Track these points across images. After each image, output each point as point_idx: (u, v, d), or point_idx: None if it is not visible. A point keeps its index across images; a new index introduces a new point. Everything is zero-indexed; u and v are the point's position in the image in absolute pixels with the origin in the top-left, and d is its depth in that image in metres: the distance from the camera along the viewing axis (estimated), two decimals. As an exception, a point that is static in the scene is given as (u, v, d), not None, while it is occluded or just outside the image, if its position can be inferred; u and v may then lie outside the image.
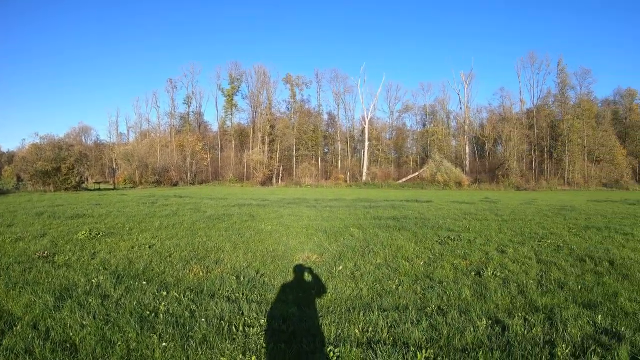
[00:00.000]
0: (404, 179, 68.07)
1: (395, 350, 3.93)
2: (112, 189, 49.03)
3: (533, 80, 75.60)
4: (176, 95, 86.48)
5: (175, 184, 64.35)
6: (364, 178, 70.14)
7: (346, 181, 69.69)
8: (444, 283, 6.28)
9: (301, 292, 5.70)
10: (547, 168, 70.60)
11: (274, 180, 70.22)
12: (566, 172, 67.67)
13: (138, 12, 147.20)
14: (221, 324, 4.42)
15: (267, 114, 74.27)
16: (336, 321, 4.58)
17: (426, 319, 4.73)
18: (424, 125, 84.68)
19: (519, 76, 76.49)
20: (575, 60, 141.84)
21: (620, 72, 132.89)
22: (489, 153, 76.97)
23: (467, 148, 75.35)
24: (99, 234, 10.11)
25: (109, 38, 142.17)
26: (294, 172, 71.81)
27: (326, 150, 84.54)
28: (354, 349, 3.95)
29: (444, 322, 4.65)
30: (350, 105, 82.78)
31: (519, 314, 4.96)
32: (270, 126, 73.58)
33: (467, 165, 72.40)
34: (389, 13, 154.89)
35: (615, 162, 67.49)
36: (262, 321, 4.52)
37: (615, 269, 7.24)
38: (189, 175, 69.92)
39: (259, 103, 76.74)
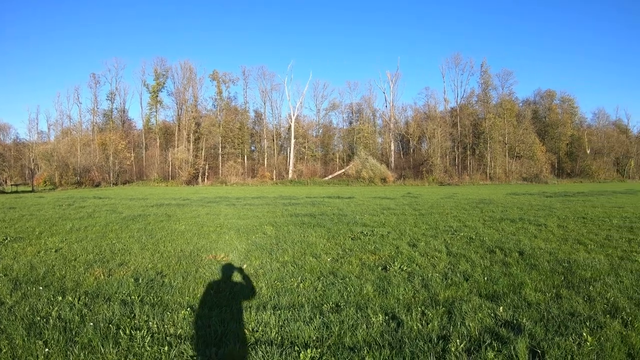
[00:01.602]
0: (330, 176, 69.69)
1: (280, 351, 3.86)
2: (31, 192, 47.24)
3: (457, 81, 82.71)
4: (99, 91, 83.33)
5: (98, 185, 61.80)
6: (290, 176, 71.39)
7: (272, 179, 70.29)
8: (347, 279, 6.23)
9: (199, 293, 5.66)
10: (470, 164, 75.87)
11: (199, 179, 69.22)
12: (488, 168, 73.63)
13: (63, 1, 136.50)
14: (109, 328, 4.41)
15: (193, 112, 74.36)
16: (227, 321, 4.55)
17: (320, 317, 4.65)
18: (350, 123, 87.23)
19: (444, 76, 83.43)
20: (498, 63, 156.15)
21: (541, 74, 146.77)
22: (413, 150, 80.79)
23: (392, 145, 79.29)
24: (6, 239, 9.97)
25: (29, 29, 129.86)
26: (220, 171, 71.22)
27: (253, 148, 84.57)
28: (239, 350, 3.89)
29: (337, 320, 4.55)
30: (277, 103, 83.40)
31: (419, 308, 4.94)
32: (196, 124, 72.39)
33: (393, 162, 75.82)
34: (318, 11, 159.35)
35: (535, 158, 74.14)
36: (150, 324, 4.50)
37: (525, 260, 7.50)
38: (111, 175, 66.86)
39: (184, 100, 75.14)
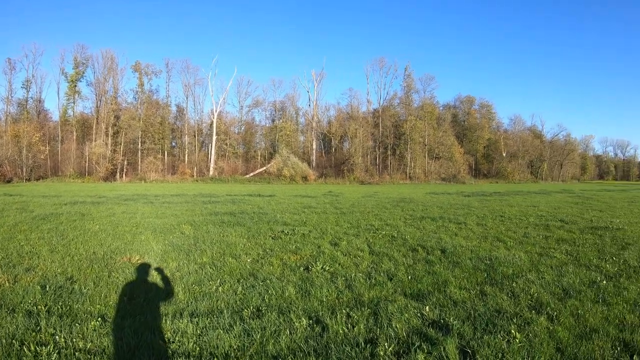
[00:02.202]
0: (251, 174, 69.08)
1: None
2: None
3: (381, 83, 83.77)
4: (15, 78, 76.45)
5: (9, 181, 56.04)
6: (211, 173, 69.99)
7: (193, 176, 68.40)
8: (268, 281, 6.00)
9: (111, 300, 5.23)
10: (390, 164, 78.55)
11: (117, 175, 65.35)
12: (408, 168, 76.57)
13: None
14: (12, 344, 3.99)
15: (112, 104, 70.08)
16: (141, 332, 4.23)
17: (241, 324, 4.40)
18: (273, 121, 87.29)
19: (368, 78, 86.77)
20: (422, 68, 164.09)
21: (462, 81, 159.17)
22: (335, 149, 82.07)
23: (314, 144, 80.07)
24: None
25: None
26: (139, 167, 68.00)
27: (173, 144, 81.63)
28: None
29: (259, 326, 4.31)
30: (200, 98, 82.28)
31: (343, 310, 4.78)
32: (115, 117, 68.17)
33: (314, 160, 76.68)
34: (246, 7, 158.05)
35: (453, 159, 78.46)
36: (58, 338, 4.09)
37: (447, 258, 7.61)
38: (24, 170, 61.03)
39: (104, 91, 70.51)
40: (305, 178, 63.69)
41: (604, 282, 6.09)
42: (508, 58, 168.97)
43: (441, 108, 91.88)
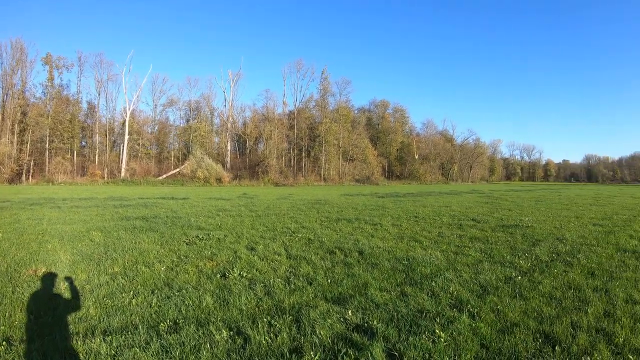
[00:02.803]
0: (164, 176, 66.55)
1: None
2: None
3: (297, 85, 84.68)
4: None
5: None
6: (122, 174, 66.47)
7: (104, 178, 64.36)
8: (184, 291, 5.70)
9: (17, 320, 4.75)
10: (305, 165, 79.28)
11: (23, 177, 59.79)
12: (322, 170, 77.76)
13: None
14: None
15: (20, 99, 64.30)
16: (50, 355, 3.87)
17: (158, 340, 4.13)
18: (187, 120, 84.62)
19: (285, 80, 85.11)
20: (339, 71, 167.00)
21: (377, 85, 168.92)
22: (250, 151, 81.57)
23: (229, 145, 79.10)
24: None
25: None
26: (47, 168, 62.66)
27: (83, 143, 76.00)
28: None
29: (177, 342, 4.07)
30: (113, 95, 77.07)
31: (265, 319, 4.63)
32: (22, 113, 62.65)
33: (229, 162, 75.68)
34: (163, 1, 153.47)
35: (367, 161, 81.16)
36: None
37: (365, 259, 7.67)
38: None
39: (11, 85, 64.09)
40: (219, 180, 62.77)
41: (519, 277, 6.41)
42: (423, 65, 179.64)
43: (356, 111, 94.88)
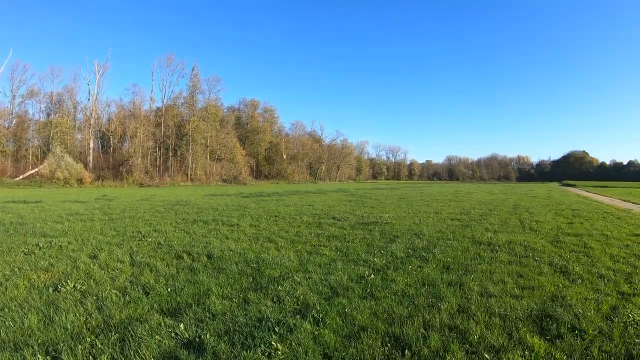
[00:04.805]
0: (21, 176, 59.11)
1: None
2: None
3: (167, 81, 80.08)
4: None
5: None
6: None
7: None
8: (7, 309, 4.87)
9: None
10: (172, 165, 76.13)
11: None
12: (189, 169, 75.29)
13: None
14: None
15: None
16: None
17: None
18: (48, 115, 75.42)
19: (154, 75, 79.96)
20: (210, 69, 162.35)
21: (248, 85, 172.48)
22: (114, 149, 75.85)
23: (92, 143, 71.98)
24: None
25: None
26: None
27: None
28: None
29: None
30: None
31: (88, 339, 3.99)
32: None
33: (91, 161, 69.27)
34: None
35: (235, 161, 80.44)
36: None
37: (213, 264, 7.15)
38: None
39: None
40: (80, 181, 57.77)
41: (372, 275, 6.31)
42: (294, 66, 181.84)
43: (225, 110, 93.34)
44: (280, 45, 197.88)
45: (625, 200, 28.30)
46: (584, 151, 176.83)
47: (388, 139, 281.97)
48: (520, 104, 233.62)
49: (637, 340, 4.09)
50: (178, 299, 5.12)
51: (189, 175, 73.66)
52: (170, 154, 76.09)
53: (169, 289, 5.54)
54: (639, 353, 3.85)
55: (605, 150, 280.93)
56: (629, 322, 4.58)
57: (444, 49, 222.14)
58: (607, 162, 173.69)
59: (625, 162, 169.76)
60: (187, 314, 4.58)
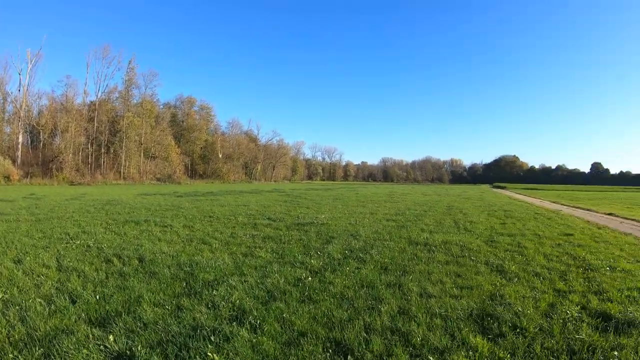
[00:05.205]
0: None
1: None
2: None
3: (102, 74, 75.53)
4: None
5: None
6: None
7: None
8: None
9: None
10: (104, 162, 72.88)
11: None
12: (123, 167, 72.42)
13: None
14: None
15: None
16: None
17: None
18: None
19: (89, 67, 74.91)
20: (147, 63, 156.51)
21: (186, 81, 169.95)
22: (44, 145, 71.04)
23: (21, 137, 66.66)
24: None
25: None
26: None
27: None
28: None
29: None
30: None
31: (11, 354, 3.68)
32: None
33: (20, 157, 64.26)
34: None
35: (169, 159, 78.44)
36: None
37: (144, 267, 6.85)
38: None
39: None
40: (8, 178, 54.22)
41: (310, 278, 6.26)
42: (233, 63, 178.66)
43: (161, 106, 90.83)
44: (217, 43, 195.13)
45: (554, 202, 30.07)
46: (515, 156, 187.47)
47: (324, 140, 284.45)
48: (454, 109, 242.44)
49: (577, 336, 4.25)
50: (107, 308, 4.84)
51: (121, 173, 70.86)
52: (102, 150, 72.93)
53: (97, 297, 5.23)
54: (580, 348, 4.00)
55: (535, 156, 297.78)
56: (568, 318, 4.78)
57: (375, 51, 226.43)
58: (537, 166, 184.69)
59: (553, 167, 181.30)
60: (117, 324, 4.33)
